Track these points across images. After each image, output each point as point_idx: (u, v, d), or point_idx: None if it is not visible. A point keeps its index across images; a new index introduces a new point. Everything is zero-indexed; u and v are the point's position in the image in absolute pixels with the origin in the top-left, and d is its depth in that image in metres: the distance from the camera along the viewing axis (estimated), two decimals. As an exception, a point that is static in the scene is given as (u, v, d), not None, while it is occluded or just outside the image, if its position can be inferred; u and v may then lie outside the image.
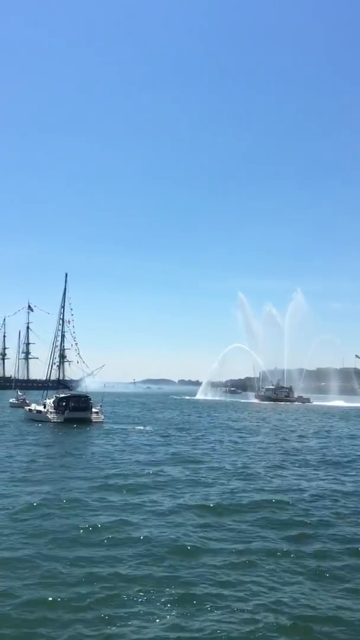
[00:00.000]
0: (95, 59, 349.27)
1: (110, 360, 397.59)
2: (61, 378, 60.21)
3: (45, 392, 55.69)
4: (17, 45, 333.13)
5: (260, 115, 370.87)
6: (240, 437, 39.41)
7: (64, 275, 58.58)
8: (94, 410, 48.99)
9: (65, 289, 58.26)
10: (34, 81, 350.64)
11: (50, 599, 10.00)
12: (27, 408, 56.14)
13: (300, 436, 41.49)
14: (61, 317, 58.91)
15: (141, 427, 44.40)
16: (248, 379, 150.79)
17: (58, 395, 50.03)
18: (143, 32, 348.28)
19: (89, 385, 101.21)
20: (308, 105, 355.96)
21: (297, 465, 26.39)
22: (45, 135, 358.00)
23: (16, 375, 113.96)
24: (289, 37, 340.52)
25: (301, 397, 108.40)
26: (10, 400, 78.50)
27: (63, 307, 58.32)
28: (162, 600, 10.15)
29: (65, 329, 59.54)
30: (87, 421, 46.80)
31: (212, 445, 33.70)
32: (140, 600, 10.13)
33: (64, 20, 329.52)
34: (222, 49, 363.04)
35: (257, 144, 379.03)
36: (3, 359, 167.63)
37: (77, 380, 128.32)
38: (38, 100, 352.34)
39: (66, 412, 47.07)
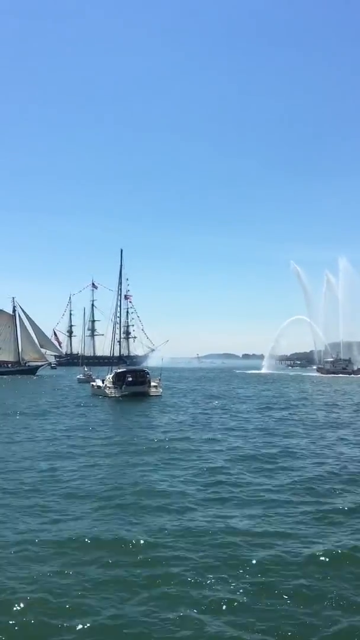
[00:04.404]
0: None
1: (175, 335, 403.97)
2: (124, 354, 62.52)
3: (110, 367, 57.96)
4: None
5: (323, 78, 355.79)
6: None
7: (120, 252, 59.89)
8: (152, 383, 50.65)
9: (121, 265, 59.70)
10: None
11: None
12: (91, 384, 59.32)
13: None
14: (119, 293, 60.82)
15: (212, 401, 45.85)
16: (312, 352, 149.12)
17: (116, 371, 52.17)
18: None
19: (151, 360, 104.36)
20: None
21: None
22: (100, 114, 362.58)
23: (83, 352, 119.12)
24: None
25: (359, 369, 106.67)
26: (78, 377, 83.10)
27: (120, 283, 60.12)
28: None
29: (127, 305, 61.43)
30: (145, 395, 48.72)
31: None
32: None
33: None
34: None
35: (323, 110, 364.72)
36: (70, 336, 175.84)
37: (141, 356, 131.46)
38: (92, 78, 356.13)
39: (124, 386, 48.85)
